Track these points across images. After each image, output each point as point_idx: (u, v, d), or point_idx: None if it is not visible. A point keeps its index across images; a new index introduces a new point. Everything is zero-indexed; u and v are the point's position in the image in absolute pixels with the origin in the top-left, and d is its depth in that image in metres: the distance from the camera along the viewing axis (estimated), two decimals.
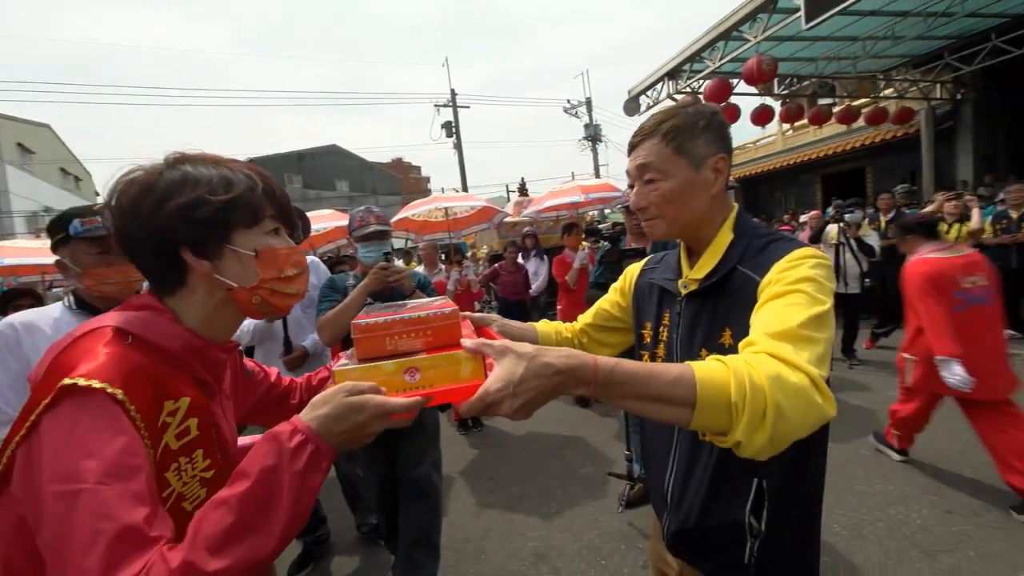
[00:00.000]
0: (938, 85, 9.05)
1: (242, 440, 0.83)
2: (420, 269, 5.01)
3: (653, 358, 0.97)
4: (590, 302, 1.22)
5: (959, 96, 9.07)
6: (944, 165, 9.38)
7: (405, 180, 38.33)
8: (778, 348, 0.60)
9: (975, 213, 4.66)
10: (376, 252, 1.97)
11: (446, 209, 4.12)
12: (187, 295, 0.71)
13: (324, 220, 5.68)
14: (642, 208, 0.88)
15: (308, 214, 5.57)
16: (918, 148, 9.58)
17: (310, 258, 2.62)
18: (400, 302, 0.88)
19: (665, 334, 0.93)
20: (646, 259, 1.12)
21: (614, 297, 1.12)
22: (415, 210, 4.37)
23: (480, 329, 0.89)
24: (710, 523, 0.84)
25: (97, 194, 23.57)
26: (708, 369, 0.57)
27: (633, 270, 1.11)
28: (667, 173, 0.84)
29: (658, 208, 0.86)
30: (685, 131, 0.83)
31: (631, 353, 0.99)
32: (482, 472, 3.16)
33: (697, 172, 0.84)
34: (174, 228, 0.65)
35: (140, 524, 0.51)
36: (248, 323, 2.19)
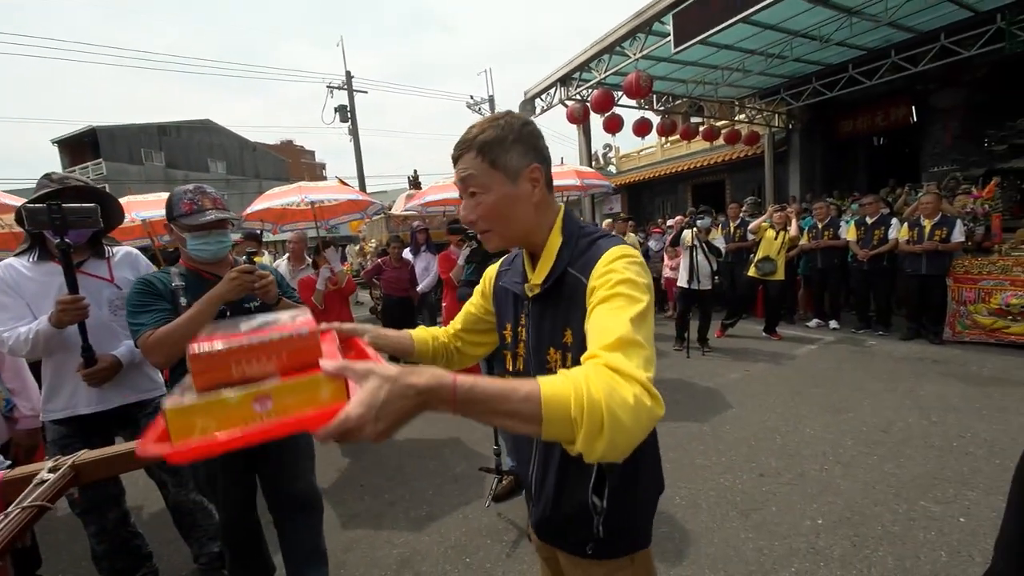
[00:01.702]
0: (776, 115, 10.78)
1: None
2: (283, 263, 4.54)
3: (515, 357, 1.00)
4: (462, 300, 1.19)
5: (790, 126, 10.92)
6: (781, 182, 11.23)
7: (295, 164, 34.97)
8: (611, 359, 0.65)
9: (794, 224, 5.63)
10: (216, 246, 1.61)
11: (311, 200, 3.77)
12: None
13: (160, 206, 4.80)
14: (471, 221, 0.88)
15: (144, 197, 4.69)
16: (763, 166, 11.35)
17: (125, 249, 2.15)
18: (249, 316, 0.76)
19: (524, 333, 0.97)
20: (501, 260, 1.12)
21: (478, 300, 1.12)
22: (278, 200, 3.94)
23: (348, 340, 0.88)
24: (564, 508, 0.92)
25: None
26: (553, 386, 0.60)
27: (491, 272, 1.12)
28: (487, 187, 0.85)
29: (487, 222, 0.88)
30: (496, 145, 0.84)
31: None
32: (354, 481, 2.97)
33: (514, 185, 0.86)
34: None
35: None
36: (26, 329, 1.70)
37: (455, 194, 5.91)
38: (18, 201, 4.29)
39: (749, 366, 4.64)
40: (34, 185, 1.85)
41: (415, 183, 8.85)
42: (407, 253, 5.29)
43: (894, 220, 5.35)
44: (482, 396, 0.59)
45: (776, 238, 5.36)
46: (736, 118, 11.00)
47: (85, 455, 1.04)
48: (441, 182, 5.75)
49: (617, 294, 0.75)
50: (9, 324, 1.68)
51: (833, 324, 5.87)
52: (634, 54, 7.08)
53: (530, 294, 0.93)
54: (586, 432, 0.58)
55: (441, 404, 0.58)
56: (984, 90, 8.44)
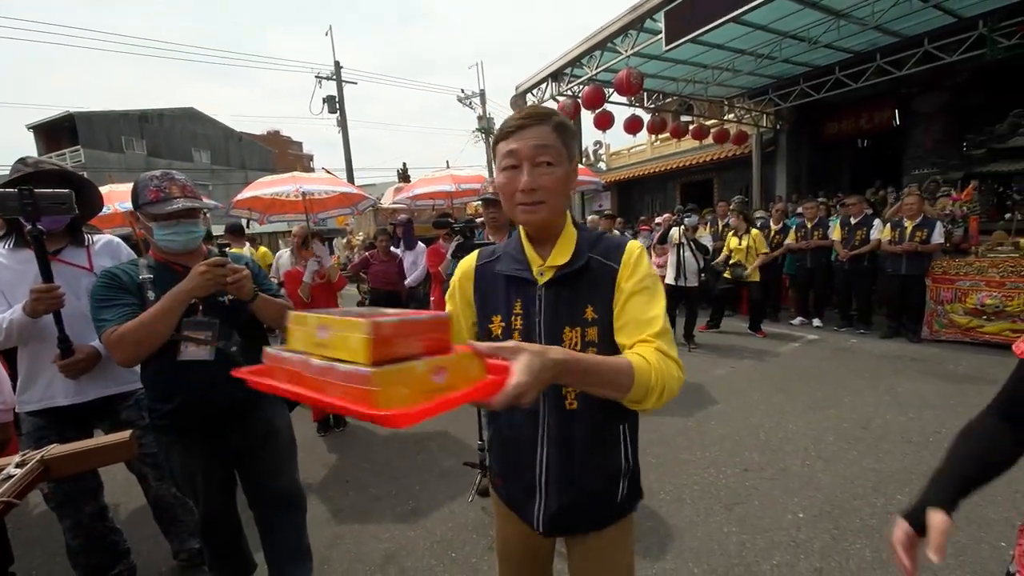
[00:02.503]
0: (764, 115, 10.89)
1: None
2: (286, 254, 4.46)
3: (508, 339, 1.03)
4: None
5: (778, 127, 11.05)
6: (768, 182, 11.38)
7: (282, 155, 34.37)
8: (661, 345, 0.86)
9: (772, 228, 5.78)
10: (185, 237, 1.51)
11: (305, 191, 3.69)
12: None
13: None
14: (532, 190, 0.89)
15: (127, 186, 4.52)
16: (751, 166, 11.48)
17: (106, 237, 2.09)
18: (374, 308, 0.80)
19: (519, 322, 0.98)
20: (475, 254, 1.10)
21: (460, 308, 1.07)
22: (270, 189, 3.85)
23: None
24: (593, 484, 0.99)
25: None
26: (638, 362, 0.80)
27: (465, 268, 1.08)
28: (559, 161, 0.90)
29: (547, 193, 0.90)
30: (567, 128, 0.93)
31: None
32: (339, 476, 2.94)
33: (571, 167, 0.94)
34: None
35: None
36: (0, 319, 1.64)
37: (445, 187, 5.88)
38: None
39: (734, 363, 4.71)
40: (5, 173, 1.78)
41: (404, 176, 8.76)
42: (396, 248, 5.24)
43: (876, 221, 5.45)
44: (595, 369, 0.74)
45: (741, 243, 5.50)
46: (725, 117, 11.10)
47: (56, 449, 1.01)
48: (431, 175, 5.69)
49: (646, 287, 0.92)
50: None
51: (816, 322, 5.99)
52: (626, 51, 7.09)
53: (542, 278, 0.96)
54: (656, 396, 0.81)
55: (567, 375, 0.70)
56: (964, 95, 8.64)
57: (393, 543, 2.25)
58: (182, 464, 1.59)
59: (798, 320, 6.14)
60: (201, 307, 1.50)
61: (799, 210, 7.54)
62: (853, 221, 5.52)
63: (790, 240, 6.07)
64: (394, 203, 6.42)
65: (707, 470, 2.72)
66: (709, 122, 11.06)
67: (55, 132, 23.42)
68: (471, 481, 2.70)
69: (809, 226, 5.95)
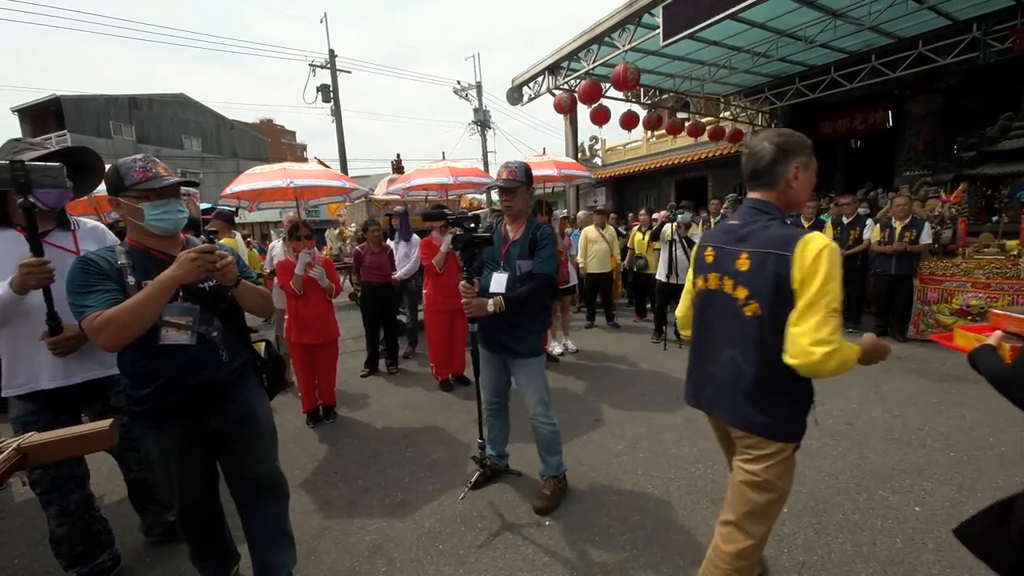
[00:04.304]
0: (760, 114, 10.93)
1: None
2: (279, 244, 4.41)
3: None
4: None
5: (773, 125, 11.10)
6: None
7: (275, 144, 33.93)
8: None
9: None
10: (176, 215, 1.50)
11: (297, 185, 3.64)
12: None
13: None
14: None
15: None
16: None
17: (92, 222, 2.06)
18: None
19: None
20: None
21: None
22: (261, 183, 3.78)
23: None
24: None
25: None
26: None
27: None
28: None
29: None
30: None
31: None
32: (328, 467, 2.93)
33: None
34: None
35: None
36: None
37: (440, 179, 5.83)
38: None
39: None
40: None
41: (398, 168, 8.68)
42: (389, 240, 5.19)
43: (869, 221, 5.49)
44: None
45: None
46: (721, 115, 11.12)
47: (34, 437, 0.99)
48: (427, 166, 5.63)
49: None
50: None
51: None
52: (623, 45, 7.06)
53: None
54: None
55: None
56: (957, 98, 8.73)
57: (380, 534, 2.25)
58: (160, 451, 1.57)
59: None
60: (182, 292, 1.50)
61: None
62: (846, 221, 5.56)
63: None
64: (387, 193, 6.35)
65: (695, 465, 2.75)
66: (705, 119, 11.08)
67: (41, 116, 22.87)
68: (461, 474, 2.71)
69: (806, 225, 5.97)
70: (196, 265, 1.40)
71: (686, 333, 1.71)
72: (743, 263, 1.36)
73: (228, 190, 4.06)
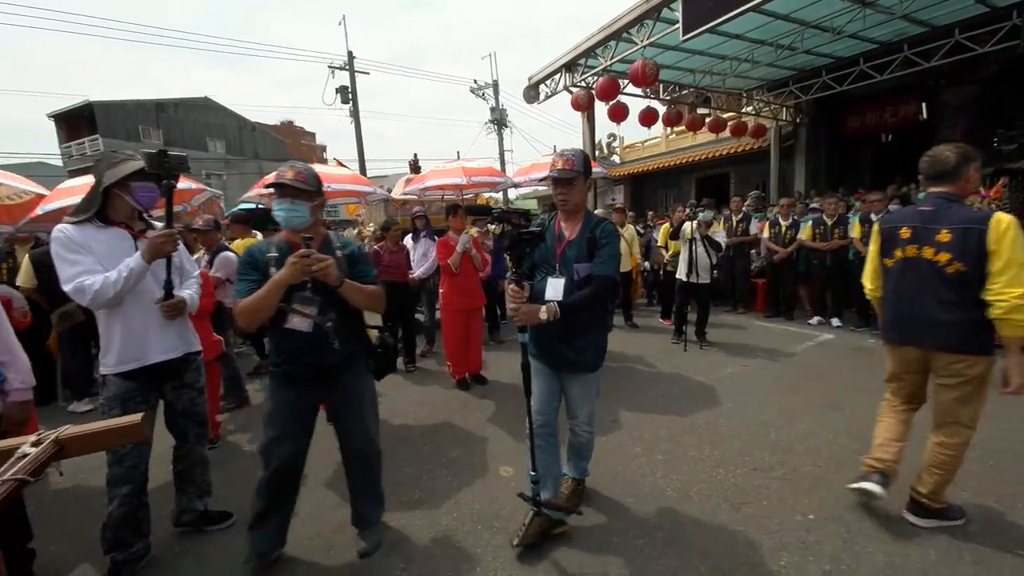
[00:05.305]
0: (784, 108, 10.63)
1: None
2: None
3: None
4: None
5: (798, 120, 10.79)
6: (786, 176, 11.14)
7: (295, 146, 34.60)
8: None
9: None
10: (286, 212, 1.78)
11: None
12: None
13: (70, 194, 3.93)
14: None
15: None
16: (769, 160, 11.24)
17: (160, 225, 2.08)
18: None
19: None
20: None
21: None
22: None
23: None
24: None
25: None
26: None
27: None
28: None
29: None
30: None
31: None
32: None
33: None
34: None
35: None
36: (117, 271, 1.83)
37: (456, 179, 5.85)
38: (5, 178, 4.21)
39: (746, 361, 4.64)
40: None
41: (415, 167, 8.75)
42: (408, 239, 5.23)
43: None
44: None
45: (785, 233, 5.84)
46: (743, 110, 10.86)
47: (70, 430, 1.03)
48: (441, 166, 5.65)
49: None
50: (84, 277, 1.82)
51: (835, 322, 5.85)
52: (641, 41, 6.95)
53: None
54: None
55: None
56: (995, 88, 8.32)
57: (398, 531, 2.26)
58: (275, 404, 1.90)
59: (815, 319, 6.01)
60: (310, 285, 1.79)
61: (812, 205, 7.35)
62: (875, 218, 5.36)
63: (805, 236, 5.92)
64: (404, 193, 6.40)
65: (716, 469, 2.69)
66: (726, 115, 10.84)
67: (75, 120, 23.87)
68: (477, 474, 2.71)
69: (829, 223, 5.79)
70: (296, 268, 1.66)
71: (876, 296, 2.27)
72: (944, 236, 1.92)
73: (257, 189, 4.18)
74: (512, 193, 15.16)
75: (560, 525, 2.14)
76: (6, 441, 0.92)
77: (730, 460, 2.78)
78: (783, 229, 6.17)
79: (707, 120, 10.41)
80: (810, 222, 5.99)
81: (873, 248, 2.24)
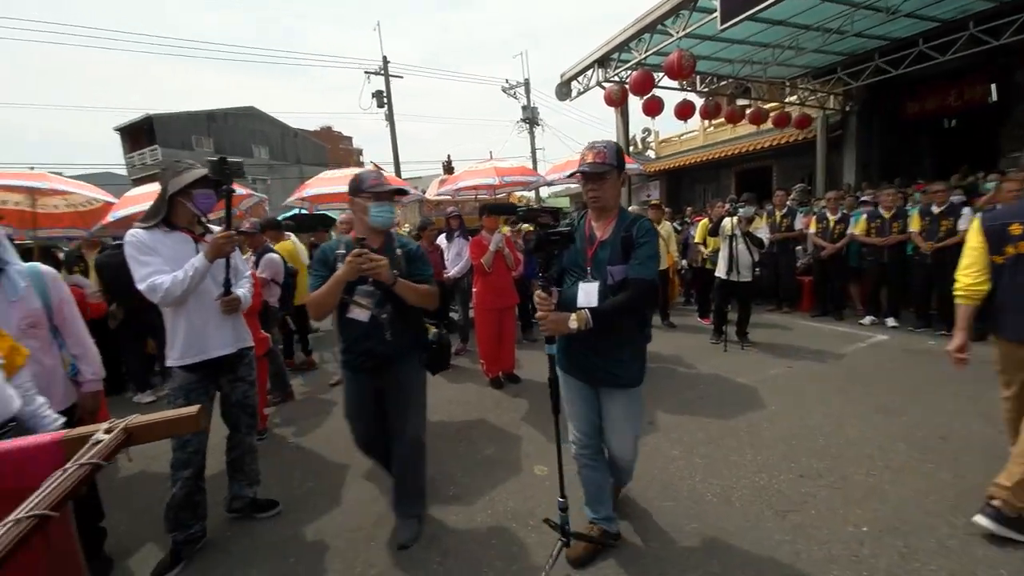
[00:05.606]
0: (831, 96, 10.04)
1: None
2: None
3: None
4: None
5: (847, 108, 10.15)
6: (834, 169, 10.52)
7: (334, 151, 35.85)
8: None
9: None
10: (388, 214, 2.04)
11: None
12: None
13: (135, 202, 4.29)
14: None
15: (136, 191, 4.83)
16: (815, 152, 10.65)
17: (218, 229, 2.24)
18: None
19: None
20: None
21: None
22: (334, 187, 4.04)
23: None
24: None
25: None
26: None
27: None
28: None
29: None
30: None
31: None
32: None
33: None
34: None
35: None
36: (183, 270, 1.98)
37: (488, 180, 5.88)
38: (73, 186, 4.59)
39: (791, 363, 4.42)
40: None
41: (448, 168, 8.87)
42: (442, 239, 5.32)
43: (966, 209, 4.87)
44: None
45: (834, 228, 5.57)
46: (786, 100, 10.34)
47: (138, 419, 1.11)
48: (474, 167, 5.70)
49: None
50: (155, 276, 1.98)
51: (891, 322, 5.47)
52: (677, 32, 6.74)
53: None
54: None
55: None
56: None
57: (436, 525, 2.31)
58: (348, 390, 2.19)
59: (868, 319, 5.64)
60: (371, 280, 1.97)
61: (863, 198, 6.90)
62: (936, 210, 4.97)
63: (859, 231, 5.56)
64: (438, 194, 6.51)
65: (758, 474, 2.58)
66: (768, 105, 10.36)
67: (137, 133, 25.74)
68: (511, 471, 2.73)
69: (887, 216, 5.40)
70: (351, 266, 1.85)
71: (976, 300, 2.28)
72: None
73: (307, 192, 4.41)
74: (544, 191, 15.11)
75: (591, 562, 1.97)
76: (81, 428, 1.00)
77: (774, 465, 2.66)
78: (831, 224, 5.83)
79: (747, 111, 9.98)
80: (864, 216, 5.63)
81: (976, 243, 2.22)
